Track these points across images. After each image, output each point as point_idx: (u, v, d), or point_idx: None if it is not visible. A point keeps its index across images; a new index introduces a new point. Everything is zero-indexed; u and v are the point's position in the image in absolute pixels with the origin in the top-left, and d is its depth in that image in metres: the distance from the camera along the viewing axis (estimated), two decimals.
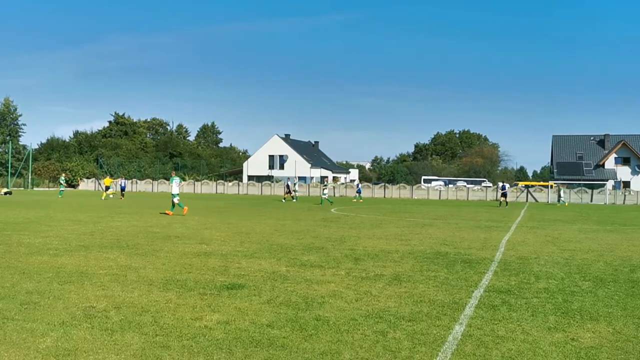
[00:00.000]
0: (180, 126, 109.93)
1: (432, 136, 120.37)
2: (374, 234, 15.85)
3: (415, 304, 6.88)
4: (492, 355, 4.98)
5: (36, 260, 9.82)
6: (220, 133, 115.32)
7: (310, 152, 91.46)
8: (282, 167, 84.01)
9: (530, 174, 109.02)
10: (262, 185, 66.00)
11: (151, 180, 70.98)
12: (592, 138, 77.93)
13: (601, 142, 76.38)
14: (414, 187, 64.45)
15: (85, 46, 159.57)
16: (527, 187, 60.15)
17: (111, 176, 53.75)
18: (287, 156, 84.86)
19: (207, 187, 67.84)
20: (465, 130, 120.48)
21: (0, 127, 73.61)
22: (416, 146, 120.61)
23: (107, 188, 42.52)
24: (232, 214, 24.24)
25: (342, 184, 72.52)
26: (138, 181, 70.74)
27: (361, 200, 46.35)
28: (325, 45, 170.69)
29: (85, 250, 11.25)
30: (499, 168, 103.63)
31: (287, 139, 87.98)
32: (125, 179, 55.81)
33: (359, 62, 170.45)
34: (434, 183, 72.50)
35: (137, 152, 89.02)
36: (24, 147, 73.11)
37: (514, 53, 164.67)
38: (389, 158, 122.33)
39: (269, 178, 76.20)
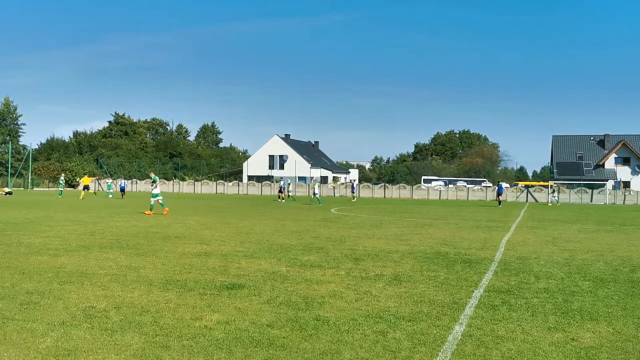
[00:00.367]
0: (180, 126, 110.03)
1: (432, 136, 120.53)
2: (374, 234, 15.85)
3: (415, 304, 6.88)
4: (492, 355, 4.98)
5: (36, 260, 9.82)
6: (220, 133, 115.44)
7: (310, 152, 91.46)
8: (282, 167, 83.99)
9: (530, 174, 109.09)
10: (262, 186, 66.01)
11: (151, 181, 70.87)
12: (592, 138, 77.93)
13: (601, 142, 76.39)
14: (414, 187, 64.46)
15: (85, 46, 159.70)
16: (527, 187, 60.16)
17: (91, 176, 53.57)
18: (287, 156, 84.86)
19: (207, 187, 67.84)
20: (465, 130, 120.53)
21: (0, 127, 73.62)
22: (416, 146, 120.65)
23: (86, 187, 42.49)
24: (232, 214, 24.24)
25: (342, 184, 72.50)
26: (138, 181, 70.75)
27: (353, 200, 46.13)
28: (325, 45, 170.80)
29: (85, 250, 11.25)
30: (499, 168, 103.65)
31: (287, 139, 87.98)
32: (125, 179, 55.87)
33: (359, 62, 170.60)
34: (434, 183, 72.52)
35: (137, 152, 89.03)
36: (24, 147, 73.14)
37: (514, 53, 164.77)
38: (389, 158, 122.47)
39: (269, 178, 76.19)
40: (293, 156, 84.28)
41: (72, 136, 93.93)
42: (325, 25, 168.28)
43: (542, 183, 62.17)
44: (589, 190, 57.01)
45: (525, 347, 5.24)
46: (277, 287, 7.79)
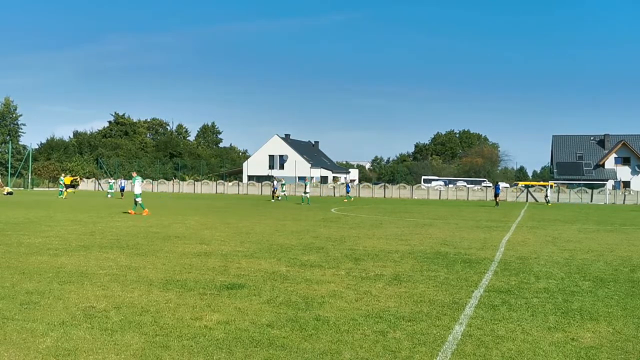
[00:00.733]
0: (180, 126, 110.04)
1: (432, 136, 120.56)
2: (374, 234, 15.85)
3: (415, 304, 6.88)
4: (492, 355, 4.98)
5: (36, 260, 9.82)
6: (220, 133, 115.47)
7: (311, 152, 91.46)
8: (282, 167, 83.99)
9: (530, 174, 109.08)
10: (262, 185, 65.98)
11: (151, 181, 70.98)
12: (592, 138, 77.94)
13: (601, 142, 76.39)
14: (414, 187, 64.45)
15: (85, 46, 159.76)
16: (527, 187, 60.16)
17: (72, 175, 53.91)
18: (287, 156, 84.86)
19: (207, 187, 67.83)
20: (465, 130, 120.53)
21: (0, 127, 73.63)
22: (416, 146, 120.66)
23: (67, 186, 43.16)
24: (232, 214, 24.24)
25: (342, 183, 72.50)
26: None
27: (345, 200, 45.91)
28: (325, 46, 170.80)
29: (85, 250, 11.25)
30: (499, 168, 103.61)
31: (287, 139, 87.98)
32: (125, 179, 55.88)
33: (359, 62, 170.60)
34: (434, 183, 72.50)
35: (137, 152, 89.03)
36: (24, 147, 73.17)
37: (514, 53, 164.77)
38: (389, 158, 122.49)
39: (269, 178, 76.21)
40: (293, 156, 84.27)
41: (72, 136, 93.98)
42: (325, 25, 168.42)
43: (542, 183, 62.19)
44: (589, 190, 57.00)
45: (525, 347, 5.24)
46: (277, 287, 7.79)
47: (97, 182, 69.93)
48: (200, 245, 12.33)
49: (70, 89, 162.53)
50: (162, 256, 10.55)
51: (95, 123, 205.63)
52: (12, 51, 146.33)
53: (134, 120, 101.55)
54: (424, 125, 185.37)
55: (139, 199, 22.90)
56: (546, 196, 50.75)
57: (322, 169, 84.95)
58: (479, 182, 72.84)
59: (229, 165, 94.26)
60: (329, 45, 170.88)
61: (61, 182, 45.67)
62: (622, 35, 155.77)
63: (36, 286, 7.53)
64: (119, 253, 10.87)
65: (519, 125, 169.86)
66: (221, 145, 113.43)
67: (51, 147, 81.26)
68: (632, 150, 71.56)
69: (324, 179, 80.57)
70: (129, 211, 23.04)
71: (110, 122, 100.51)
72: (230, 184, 68.63)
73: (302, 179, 77.11)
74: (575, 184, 62.62)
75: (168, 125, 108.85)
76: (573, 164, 73.83)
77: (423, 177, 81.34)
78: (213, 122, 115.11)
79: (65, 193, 41.25)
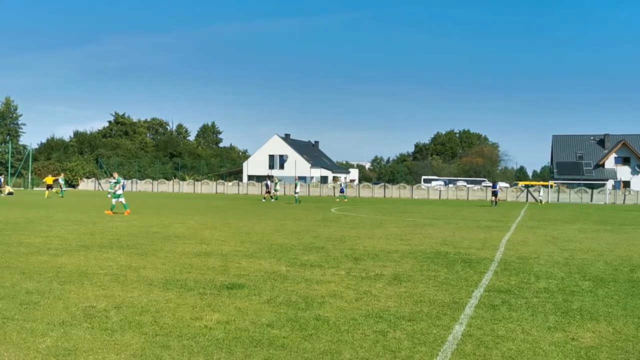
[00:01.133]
0: (180, 126, 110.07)
1: (432, 136, 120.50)
2: (374, 234, 15.84)
3: (415, 304, 6.88)
4: (492, 355, 4.97)
5: (36, 260, 9.82)
6: (220, 133, 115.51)
7: (310, 152, 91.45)
8: (282, 167, 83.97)
9: (530, 174, 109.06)
10: (262, 185, 65.78)
11: (151, 180, 70.99)
12: (592, 138, 77.93)
13: (601, 142, 76.38)
14: (414, 187, 64.46)
15: (85, 46, 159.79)
16: (527, 186, 60.17)
17: (54, 175, 54.37)
18: (287, 156, 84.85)
19: (207, 187, 67.84)
20: (465, 130, 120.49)
21: (0, 126, 73.64)
22: (416, 146, 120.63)
23: (49, 187, 43.77)
24: (232, 214, 24.24)
25: (342, 183, 72.47)
26: (138, 181, 70.74)
27: (345, 200, 46.15)
28: (326, 45, 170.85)
29: (85, 250, 11.25)
30: (499, 168, 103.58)
31: (287, 138, 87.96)
32: (125, 178, 55.92)
33: (359, 62, 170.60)
34: (434, 183, 72.50)
35: (137, 152, 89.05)
36: (24, 147, 73.17)
37: (514, 53, 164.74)
38: (389, 158, 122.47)
39: (266, 177, 76.23)
40: (293, 156, 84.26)
41: (72, 136, 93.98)
42: (325, 25, 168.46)
43: (542, 183, 62.19)
44: (589, 190, 57.01)
45: (525, 346, 5.24)
46: (277, 286, 7.79)
47: (97, 182, 69.94)
48: (200, 245, 12.33)
49: (71, 89, 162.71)
50: (162, 256, 10.55)
51: (96, 123, 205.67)
52: (13, 51, 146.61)
53: (134, 120, 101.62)
54: (424, 125, 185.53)
55: (122, 199, 22.86)
56: (539, 195, 50.71)
57: (322, 169, 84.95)
58: (479, 182, 72.84)
59: (229, 165, 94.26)
60: (329, 45, 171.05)
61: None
62: (622, 35, 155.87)
63: (36, 286, 7.53)
64: (119, 253, 10.87)
65: (519, 125, 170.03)
66: (221, 145, 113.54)
67: (51, 147, 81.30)
68: (632, 150, 71.55)
69: (324, 179, 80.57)
70: (107, 212, 22.79)
71: (110, 122, 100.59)
72: (230, 183, 68.64)
73: (302, 178, 77.22)
74: (575, 183, 62.62)
75: (168, 125, 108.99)
76: (573, 164, 73.82)
77: (423, 177, 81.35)
78: (213, 122, 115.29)
79: (47, 193, 42.12)
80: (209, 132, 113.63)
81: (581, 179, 68.36)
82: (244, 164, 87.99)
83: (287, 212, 26.40)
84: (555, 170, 73.55)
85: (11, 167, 66.53)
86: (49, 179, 45.43)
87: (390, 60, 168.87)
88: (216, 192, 65.85)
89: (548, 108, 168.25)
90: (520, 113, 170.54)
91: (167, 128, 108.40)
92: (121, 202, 22.90)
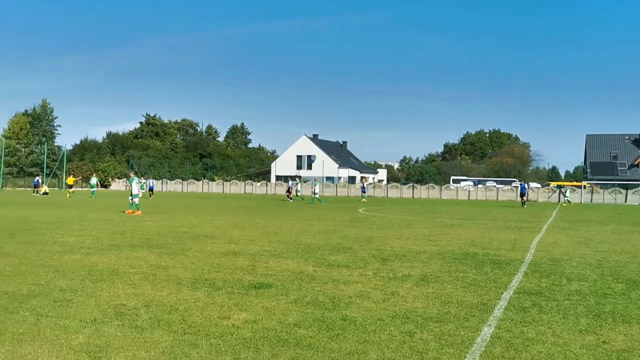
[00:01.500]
0: (209, 127, 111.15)
1: (462, 136, 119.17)
2: (402, 235, 15.76)
3: (443, 305, 6.82)
4: (522, 358, 4.90)
5: (69, 258, 10.04)
6: (249, 134, 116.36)
7: (338, 152, 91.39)
8: (310, 167, 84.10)
9: (562, 174, 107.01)
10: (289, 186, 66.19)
11: (181, 181, 71.90)
12: (626, 137, 76.09)
13: (636, 142, 74.52)
14: (443, 187, 63.90)
15: (117, 49, 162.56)
16: (559, 187, 59.07)
17: (75, 176, 56.13)
18: (315, 156, 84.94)
19: (236, 187, 68.41)
20: (496, 129, 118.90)
21: (36, 128, 75.51)
22: (445, 146, 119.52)
23: (70, 186, 45.89)
24: (260, 214, 24.39)
25: (370, 184, 72.30)
26: (168, 181, 71.74)
27: (364, 200, 45.97)
28: (356, 46, 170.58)
29: (116, 249, 11.46)
30: (530, 168, 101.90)
31: (315, 139, 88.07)
32: (154, 179, 56.85)
33: (389, 62, 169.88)
34: (462, 183, 71.73)
35: (167, 152, 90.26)
36: (59, 148, 74.87)
37: (547, 52, 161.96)
38: (417, 158, 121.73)
39: (294, 178, 76.49)
40: (321, 156, 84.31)
41: (105, 137, 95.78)
42: (356, 26, 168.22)
43: (574, 183, 60.99)
44: (623, 191, 55.70)
45: (555, 350, 5.15)
46: (304, 286, 7.81)
47: (127, 182, 71.16)
48: (228, 245, 12.44)
49: (104, 91, 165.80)
50: (191, 255, 10.68)
51: (127, 124, 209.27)
52: (49, 55, 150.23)
53: (165, 121, 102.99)
54: (454, 125, 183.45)
55: (136, 199, 23.17)
56: (565, 195, 49.74)
57: (350, 169, 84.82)
58: (509, 182, 71.77)
59: (257, 165, 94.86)
60: (360, 46, 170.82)
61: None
62: None
63: (69, 284, 7.71)
64: (149, 252, 11.04)
65: (551, 125, 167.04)
66: (250, 145, 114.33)
67: (85, 148, 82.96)
68: None
69: (351, 179, 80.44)
70: (126, 211, 23.22)
71: (141, 122, 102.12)
72: (258, 184, 69.11)
73: (329, 179, 77.21)
74: (610, 184, 61.24)
75: (198, 126, 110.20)
76: (607, 164, 72.21)
77: (452, 177, 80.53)
78: (242, 123, 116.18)
79: (69, 193, 43.85)
80: (238, 133, 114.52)
81: (615, 179, 66.82)
82: (272, 165, 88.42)
83: (314, 213, 26.44)
84: (588, 171, 72.06)
85: (47, 167, 68.14)
86: (70, 180, 47.30)
87: (420, 60, 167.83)
88: (245, 192, 66.33)
89: (581, 107, 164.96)
90: (552, 112, 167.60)
91: (197, 129, 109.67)
92: (135, 201, 23.20)
